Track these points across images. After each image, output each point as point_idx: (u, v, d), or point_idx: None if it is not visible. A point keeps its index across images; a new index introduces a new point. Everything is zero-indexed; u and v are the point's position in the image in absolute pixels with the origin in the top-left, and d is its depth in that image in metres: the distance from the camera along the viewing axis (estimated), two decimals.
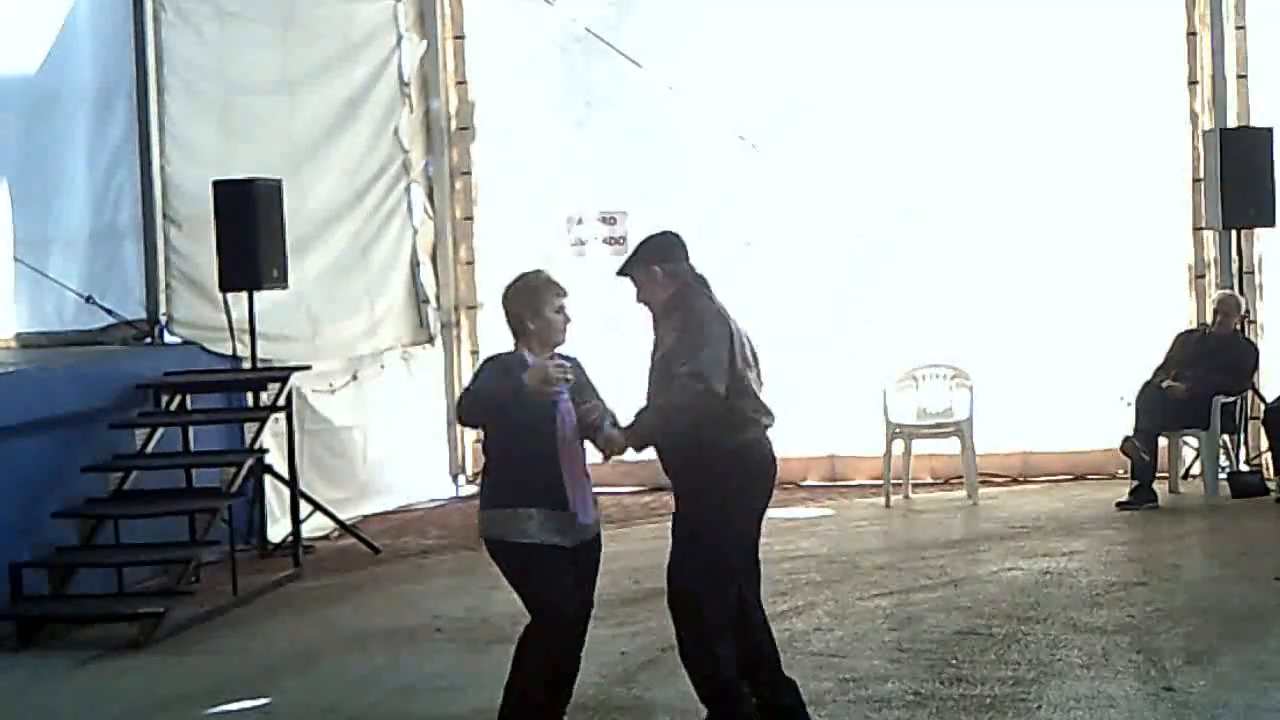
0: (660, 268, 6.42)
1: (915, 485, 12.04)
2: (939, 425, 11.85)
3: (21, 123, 11.48)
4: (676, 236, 6.53)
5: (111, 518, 9.39)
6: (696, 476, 6.34)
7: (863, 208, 12.61)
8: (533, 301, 6.34)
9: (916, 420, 11.89)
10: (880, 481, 11.78)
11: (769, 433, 6.44)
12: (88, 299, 11.01)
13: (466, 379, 13.15)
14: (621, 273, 6.54)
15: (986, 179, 12.43)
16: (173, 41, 11.01)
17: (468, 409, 6.40)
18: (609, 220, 13.07)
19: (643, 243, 6.57)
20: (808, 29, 12.59)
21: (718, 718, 6.36)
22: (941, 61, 12.37)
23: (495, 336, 12.76)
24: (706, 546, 6.32)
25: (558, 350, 6.37)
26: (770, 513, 10.24)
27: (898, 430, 11.74)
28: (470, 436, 12.98)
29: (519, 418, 6.20)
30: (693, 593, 6.28)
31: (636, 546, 10.26)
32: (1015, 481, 12.39)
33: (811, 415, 11.66)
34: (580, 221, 13.14)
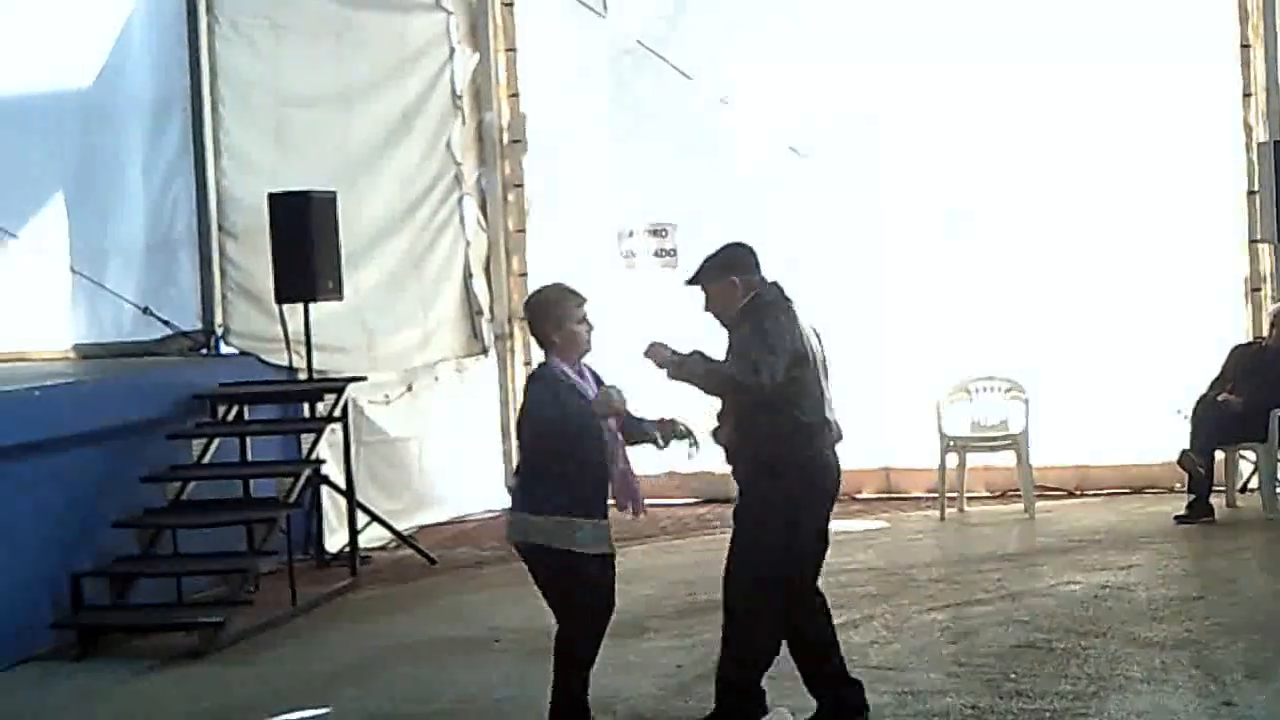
0: (736, 278, 6.50)
1: (970, 498, 11.99)
2: (994, 438, 11.80)
3: (78, 136, 11.55)
4: (749, 248, 6.61)
5: (170, 528, 9.47)
6: (763, 487, 6.41)
7: (916, 219, 12.57)
8: (555, 315, 6.45)
9: (971, 433, 11.85)
10: (935, 494, 11.75)
11: (836, 448, 6.58)
12: (145, 310, 11.07)
13: (520, 390, 13.19)
14: (693, 282, 6.60)
15: (1040, 191, 12.37)
16: (227, 55, 11.07)
17: (561, 436, 6.34)
18: (659, 233, 13.07)
19: (716, 253, 6.63)
20: (857, 39, 12.56)
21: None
22: (995, 72, 12.32)
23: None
24: (766, 560, 6.42)
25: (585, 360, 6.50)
26: None
27: (952, 443, 11.70)
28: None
29: (568, 430, 6.32)
30: (747, 606, 6.43)
31: (691, 559, 10.26)
32: (1071, 495, 12.31)
33: (866, 428, 11.54)
34: (630, 234, 13.14)
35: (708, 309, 6.61)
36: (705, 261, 6.63)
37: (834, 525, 10.96)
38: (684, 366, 6.34)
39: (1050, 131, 12.31)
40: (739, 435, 6.50)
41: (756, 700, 6.58)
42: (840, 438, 6.65)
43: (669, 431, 6.47)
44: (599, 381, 6.50)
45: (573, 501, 6.36)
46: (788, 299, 6.54)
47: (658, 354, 6.37)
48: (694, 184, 12.99)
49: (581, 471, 6.34)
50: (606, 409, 6.28)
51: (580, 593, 6.43)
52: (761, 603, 6.46)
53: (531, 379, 6.56)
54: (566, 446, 6.32)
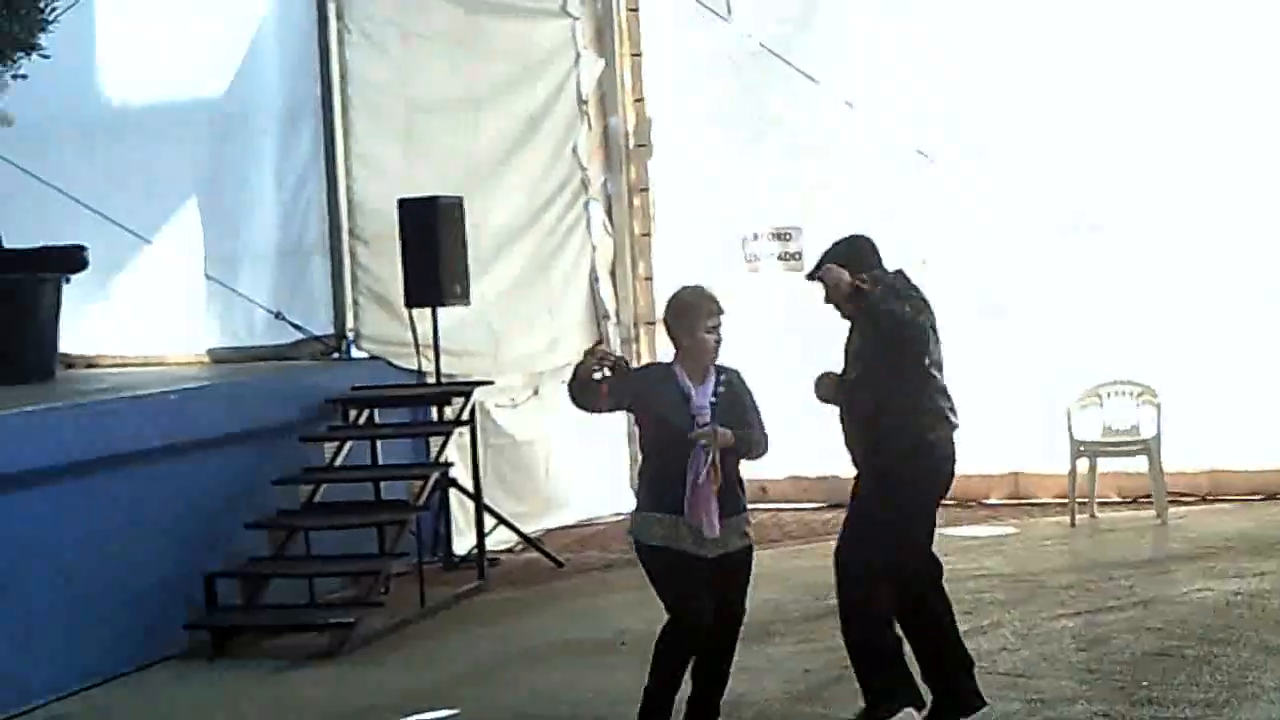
0: (858, 272, 6.54)
1: (1101, 504, 11.84)
2: (1125, 443, 11.65)
3: (212, 143, 11.74)
4: (869, 240, 6.65)
5: (302, 529, 9.59)
6: (883, 465, 6.53)
7: (1043, 222, 12.43)
8: (687, 320, 6.50)
9: (1102, 438, 11.71)
10: (1065, 500, 11.63)
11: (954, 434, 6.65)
12: (277, 315, 11.25)
13: None
14: (814, 276, 6.63)
15: (1170, 191, 12.18)
16: (357, 61, 11.20)
17: (651, 431, 6.52)
18: (783, 236, 13.04)
19: (837, 247, 6.67)
20: (984, 40, 12.45)
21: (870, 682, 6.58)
22: (1123, 72, 12.16)
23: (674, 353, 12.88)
24: (881, 539, 6.53)
25: (713, 364, 6.51)
26: (953, 530, 10.25)
27: (1083, 448, 11.57)
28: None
29: (662, 430, 6.42)
30: (860, 574, 6.53)
31: (817, 563, 10.18)
32: (1204, 500, 12.13)
33: (994, 432, 11.54)
34: (755, 238, 13.13)
35: (828, 300, 6.66)
36: (825, 255, 6.67)
37: (962, 530, 10.98)
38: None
39: (1180, 131, 12.12)
40: (864, 418, 6.56)
41: (896, 658, 6.63)
42: (958, 424, 6.69)
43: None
44: (724, 387, 6.49)
45: (648, 495, 6.52)
46: (914, 286, 6.61)
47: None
48: (818, 187, 12.94)
49: (665, 467, 6.40)
50: (710, 439, 6.32)
51: (664, 589, 6.51)
52: (875, 568, 6.53)
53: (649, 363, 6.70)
54: (650, 435, 6.50)
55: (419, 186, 10.88)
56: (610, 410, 6.62)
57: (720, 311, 6.50)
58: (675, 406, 6.41)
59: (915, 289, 6.60)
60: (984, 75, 12.44)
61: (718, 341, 6.50)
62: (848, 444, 6.74)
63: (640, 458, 6.65)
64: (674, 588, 6.46)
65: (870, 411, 6.56)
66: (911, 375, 6.52)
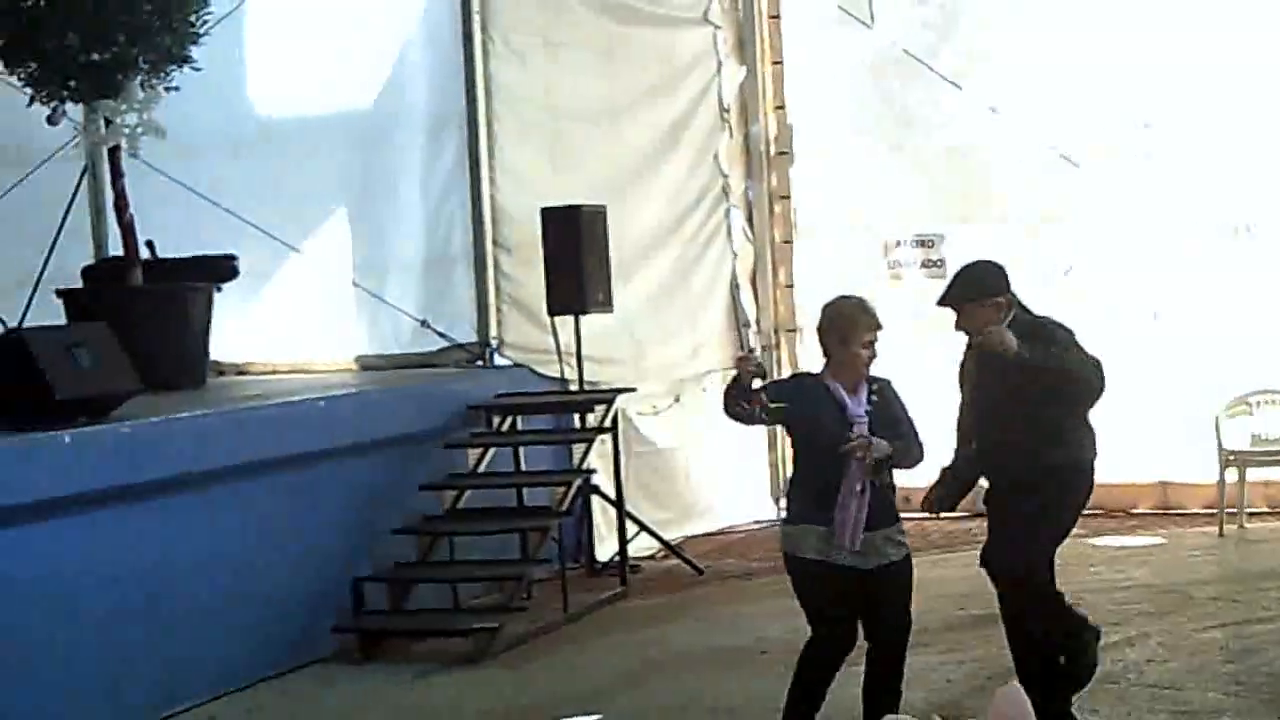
0: (1001, 298, 6.57)
1: (1251, 514, 11.64)
2: (1275, 452, 11.46)
3: (359, 154, 11.89)
4: (1000, 265, 6.62)
5: (447, 535, 9.70)
6: (1049, 484, 6.55)
7: (1192, 227, 12.25)
8: (843, 331, 6.42)
9: (1251, 447, 11.52)
10: (1214, 510, 11.45)
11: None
12: (423, 323, 11.38)
13: None
14: (947, 303, 6.60)
15: None
16: (501, 72, 11.31)
17: (804, 439, 6.53)
18: (926, 244, 12.98)
19: (969, 273, 6.64)
20: (1129, 43, 12.28)
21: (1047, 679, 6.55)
22: (1272, 75, 11.98)
23: (815, 360, 12.82)
24: (1040, 544, 6.60)
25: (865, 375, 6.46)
26: (1101, 541, 10.15)
27: (1232, 457, 11.39)
28: (791, 459, 13.02)
29: (817, 441, 6.37)
30: (1028, 570, 6.57)
31: (960, 573, 10.12)
32: None
33: (1142, 442, 11.40)
34: (897, 245, 13.07)
35: (961, 327, 6.63)
36: (959, 281, 6.65)
37: (1110, 541, 10.85)
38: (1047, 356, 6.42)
39: None
40: (1021, 434, 6.54)
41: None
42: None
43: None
44: (877, 397, 6.46)
45: (805, 506, 6.45)
46: (1053, 322, 6.65)
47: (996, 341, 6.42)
48: (962, 194, 12.87)
49: (819, 479, 6.37)
50: (865, 449, 6.28)
51: (809, 604, 6.48)
52: (1037, 567, 6.61)
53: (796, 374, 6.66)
54: (803, 447, 6.51)
55: (562, 195, 10.97)
56: (766, 422, 6.56)
57: (878, 326, 6.42)
58: (831, 417, 6.36)
59: (1058, 325, 6.58)
60: (1128, 78, 12.27)
61: (872, 356, 6.42)
62: (993, 462, 6.70)
63: (791, 469, 6.63)
64: (818, 601, 6.44)
65: (1035, 442, 6.55)
66: (1083, 409, 6.58)
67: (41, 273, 11.15)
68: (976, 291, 6.58)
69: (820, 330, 6.52)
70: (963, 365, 6.81)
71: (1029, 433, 6.53)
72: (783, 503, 12.93)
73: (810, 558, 6.38)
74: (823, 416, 6.36)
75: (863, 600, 6.43)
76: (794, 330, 13.39)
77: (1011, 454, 6.59)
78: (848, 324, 6.40)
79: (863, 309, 6.46)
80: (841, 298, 6.55)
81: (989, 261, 6.72)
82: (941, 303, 6.65)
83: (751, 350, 6.46)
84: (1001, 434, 6.60)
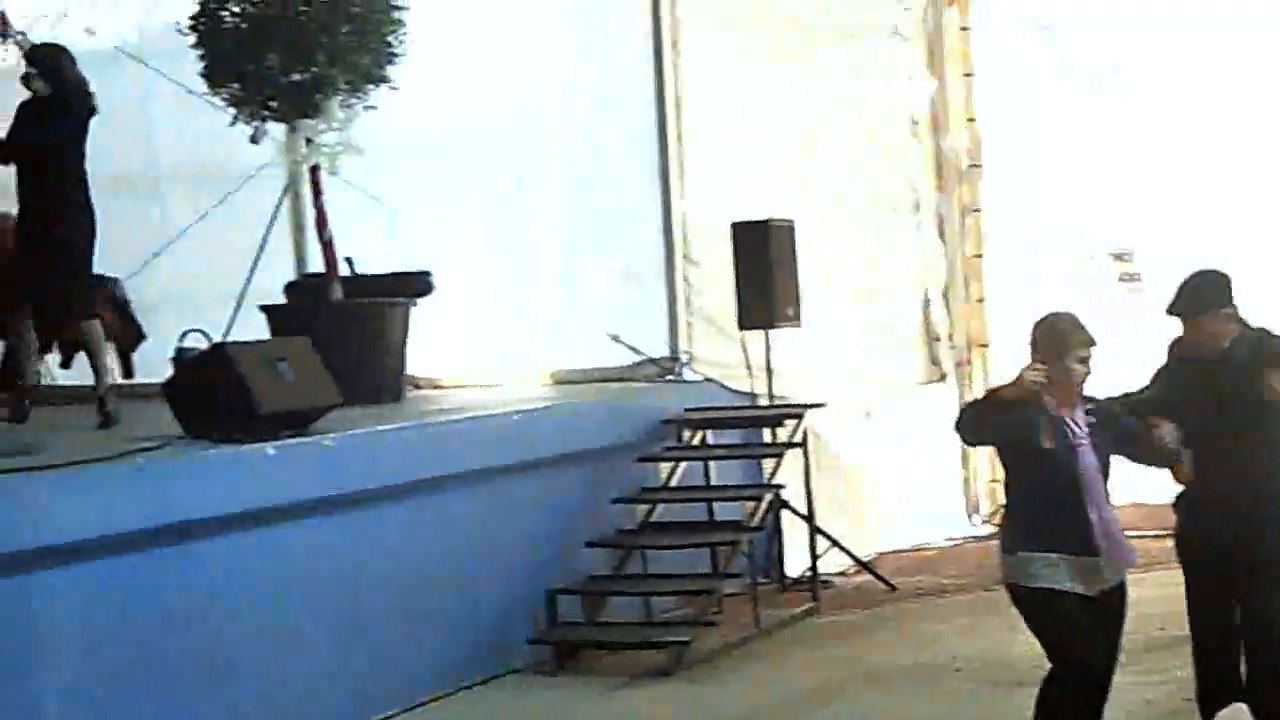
0: (1230, 309, 6.46)
1: None
2: None
3: (551, 169, 12.01)
4: (1226, 275, 6.49)
5: (640, 548, 9.75)
6: None
7: None
8: (1058, 346, 6.24)
9: None
10: None
11: None
12: (615, 338, 11.47)
13: None
14: (1175, 313, 6.50)
15: None
16: (691, 86, 11.38)
17: (1020, 457, 6.30)
18: (1122, 257, 12.78)
19: (1198, 282, 6.52)
20: None
21: None
22: None
23: (1007, 375, 12.66)
24: None
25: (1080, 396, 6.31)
26: None
27: None
28: (985, 475, 12.92)
29: (1037, 459, 6.18)
30: None
31: (1158, 592, 9.90)
32: None
33: None
34: (1092, 258, 12.89)
35: (1189, 338, 6.50)
36: (1188, 291, 6.52)
37: None
38: None
39: None
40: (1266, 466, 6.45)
41: None
42: None
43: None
44: (1093, 415, 6.30)
45: (1031, 533, 6.22)
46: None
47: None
48: (1157, 206, 12.64)
49: (1052, 500, 6.17)
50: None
51: (1057, 637, 6.22)
52: None
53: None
54: (1025, 470, 6.26)
55: (752, 210, 10.99)
56: (994, 442, 6.44)
57: (1093, 343, 6.26)
58: (1055, 437, 6.18)
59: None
60: None
61: (1086, 373, 6.26)
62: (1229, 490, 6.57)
63: (1007, 495, 6.44)
64: (1062, 632, 6.19)
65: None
66: None
67: (245, 289, 11.46)
68: (1207, 302, 6.46)
69: (1033, 346, 6.32)
70: (1166, 370, 6.69)
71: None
72: (976, 519, 12.98)
73: (1038, 586, 6.18)
74: (1047, 436, 6.16)
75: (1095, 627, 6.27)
76: (985, 345, 13.25)
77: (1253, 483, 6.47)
78: (1061, 339, 6.23)
79: (1079, 325, 6.29)
80: (1056, 314, 6.37)
81: (1216, 271, 6.58)
82: (1170, 312, 6.56)
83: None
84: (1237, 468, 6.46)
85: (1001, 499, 12.58)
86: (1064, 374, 6.19)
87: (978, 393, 13.11)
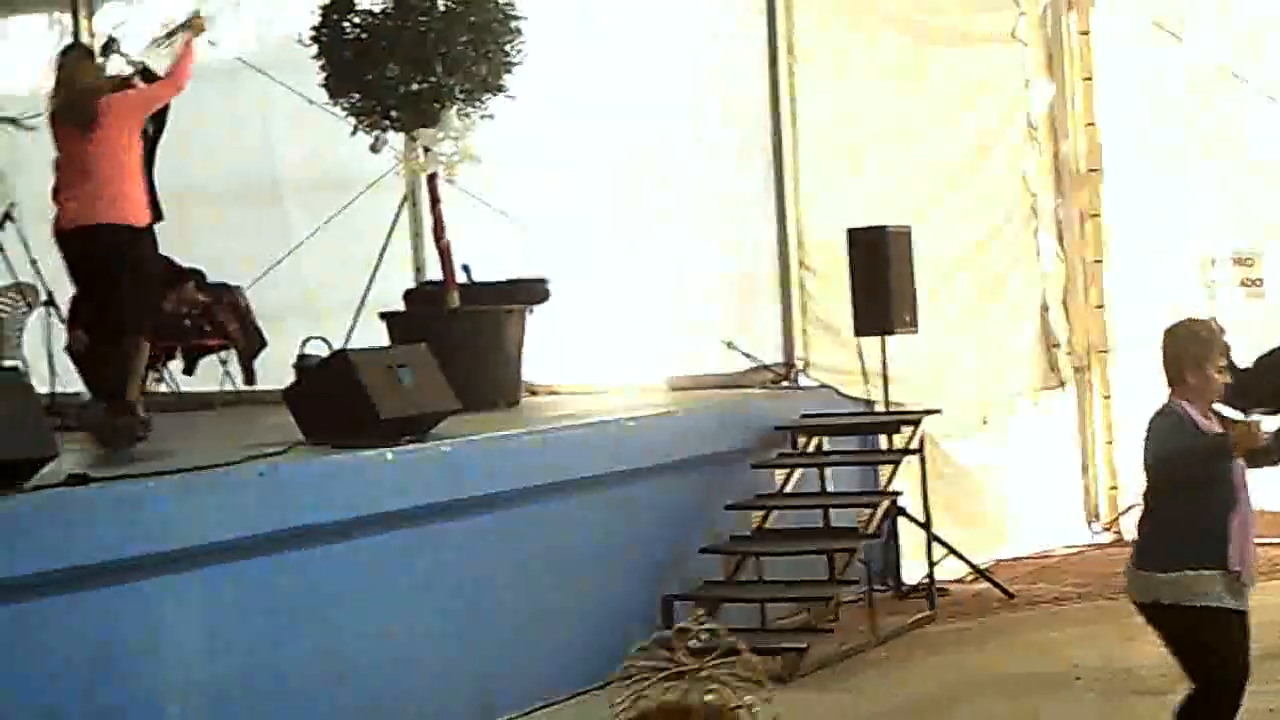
0: None
1: None
2: None
3: (664, 178, 12.01)
4: None
5: (755, 554, 9.75)
6: None
7: None
8: (1198, 353, 6.11)
9: None
10: None
11: None
12: (729, 345, 11.48)
13: (1099, 425, 12.97)
14: None
15: None
16: (806, 95, 11.36)
17: (1185, 472, 6.04)
18: (1244, 262, 12.60)
19: None
20: None
21: None
22: None
23: (1128, 382, 12.59)
24: None
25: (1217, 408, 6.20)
26: None
27: None
28: (1104, 482, 12.81)
29: (1206, 477, 6.04)
30: None
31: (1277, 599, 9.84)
32: None
33: None
34: (1214, 263, 12.72)
35: None
36: None
37: None
38: None
39: None
40: None
41: None
42: None
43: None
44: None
45: (1201, 550, 6.02)
46: None
47: None
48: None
49: (1210, 516, 6.02)
50: (1250, 441, 5.89)
51: (1214, 656, 6.07)
52: None
53: (1156, 414, 6.16)
54: (1192, 485, 6.03)
55: (867, 216, 10.96)
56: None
57: (1229, 349, 6.23)
58: (1214, 441, 6.03)
59: None
60: None
61: (1226, 383, 6.15)
62: None
63: (1152, 512, 6.20)
64: (1227, 650, 6.07)
65: None
66: None
67: (365, 296, 11.61)
68: None
69: (1169, 354, 6.17)
70: None
71: None
72: (1096, 526, 12.84)
73: (1200, 605, 6.03)
74: (1197, 439, 6.03)
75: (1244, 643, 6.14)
76: (1105, 351, 13.12)
77: None
78: (1205, 345, 6.13)
79: (1216, 331, 6.20)
80: (1193, 320, 6.28)
81: None
82: None
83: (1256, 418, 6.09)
84: None
85: (1121, 505, 12.54)
86: (1205, 383, 6.10)
87: (1097, 400, 13.02)
